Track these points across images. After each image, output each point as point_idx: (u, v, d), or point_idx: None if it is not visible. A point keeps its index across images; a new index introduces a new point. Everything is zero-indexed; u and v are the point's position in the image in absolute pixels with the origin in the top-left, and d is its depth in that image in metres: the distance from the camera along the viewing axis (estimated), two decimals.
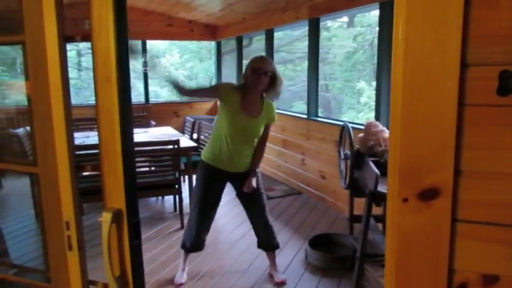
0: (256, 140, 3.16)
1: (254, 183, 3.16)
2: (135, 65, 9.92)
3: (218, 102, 3.16)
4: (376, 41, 6.14)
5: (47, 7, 1.18)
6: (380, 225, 3.42)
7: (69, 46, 1.28)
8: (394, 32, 0.83)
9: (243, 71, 3.17)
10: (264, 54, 6.57)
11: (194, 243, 3.24)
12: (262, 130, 3.15)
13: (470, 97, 0.81)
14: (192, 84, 13.27)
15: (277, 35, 6.57)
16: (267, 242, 3.35)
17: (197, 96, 3.93)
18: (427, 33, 0.80)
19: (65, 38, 1.22)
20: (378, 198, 2.86)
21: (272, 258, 3.43)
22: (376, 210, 3.14)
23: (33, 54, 1.23)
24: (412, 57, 0.81)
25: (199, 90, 3.44)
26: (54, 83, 1.21)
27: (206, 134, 5.42)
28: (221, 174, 3.15)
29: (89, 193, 3.55)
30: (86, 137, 4.92)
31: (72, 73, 11.19)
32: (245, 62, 7.98)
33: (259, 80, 3.00)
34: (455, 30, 0.78)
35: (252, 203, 3.26)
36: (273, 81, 3.07)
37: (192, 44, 12.44)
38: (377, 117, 4.16)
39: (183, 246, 3.31)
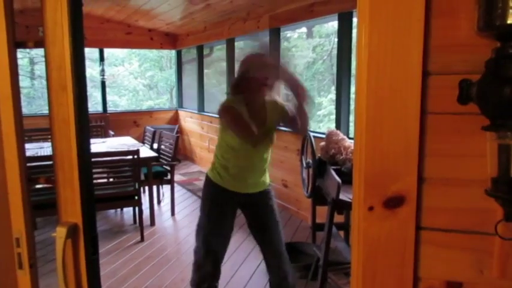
0: (270, 150, 2.67)
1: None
2: (92, 73, 9.65)
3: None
4: (334, 52, 6.25)
5: None
6: (342, 233, 3.46)
7: (21, 54, 1.21)
8: (358, 39, 0.83)
9: (236, 70, 2.58)
10: (227, 62, 6.49)
11: (213, 280, 2.64)
12: (275, 134, 2.66)
13: (432, 105, 0.82)
14: (152, 94, 13.08)
15: (237, 44, 6.58)
16: (290, 280, 2.71)
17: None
18: (390, 40, 0.80)
19: (16, 44, 1.16)
20: (340, 206, 2.89)
21: None
22: (338, 218, 3.17)
23: None
24: (376, 65, 0.81)
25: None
26: (3, 91, 1.14)
27: (167, 144, 5.32)
28: (231, 197, 2.59)
29: (43, 206, 3.41)
30: (40, 148, 4.72)
31: (24, 82, 10.73)
32: (206, 72, 7.93)
33: (262, 90, 2.45)
34: (417, 37, 0.79)
35: (267, 235, 2.72)
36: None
37: (151, 53, 12.28)
38: (337, 127, 4.23)
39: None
